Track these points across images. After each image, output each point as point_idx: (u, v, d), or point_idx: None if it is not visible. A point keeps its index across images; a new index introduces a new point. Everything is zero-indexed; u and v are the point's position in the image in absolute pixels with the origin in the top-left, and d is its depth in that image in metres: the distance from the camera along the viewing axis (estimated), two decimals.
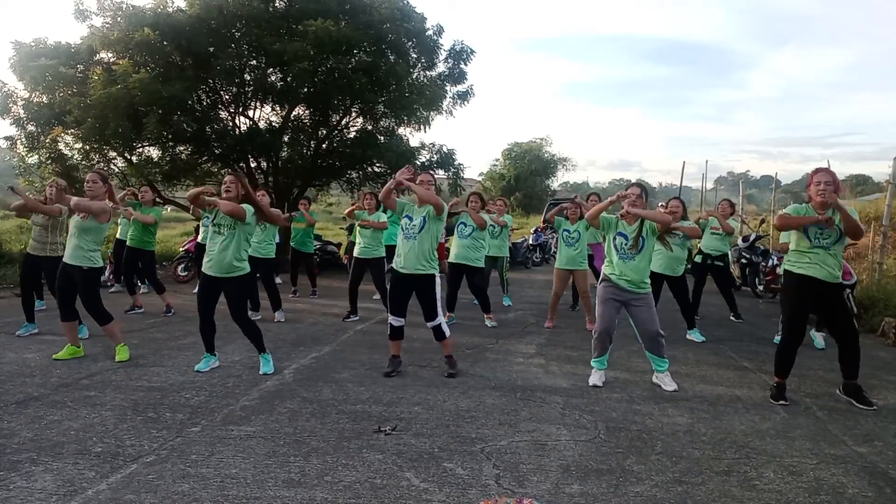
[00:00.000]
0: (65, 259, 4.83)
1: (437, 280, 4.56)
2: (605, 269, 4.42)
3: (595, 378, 4.40)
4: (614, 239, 4.32)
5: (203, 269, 4.56)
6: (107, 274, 8.65)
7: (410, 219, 4.52)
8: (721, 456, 3.13)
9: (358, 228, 6.98)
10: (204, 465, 2.89)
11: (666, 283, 6.11)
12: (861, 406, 3.92)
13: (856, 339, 3.98)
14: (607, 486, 2.76)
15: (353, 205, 7.65)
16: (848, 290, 6.53)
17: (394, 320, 4.59)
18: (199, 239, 8.49)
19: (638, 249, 4.25)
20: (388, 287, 6.73)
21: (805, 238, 3.95)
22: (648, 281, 4.35)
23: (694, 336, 6.14)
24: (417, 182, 4.50)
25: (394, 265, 4.60)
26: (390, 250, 7.53)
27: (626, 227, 4.29)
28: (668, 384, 4.34)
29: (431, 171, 4.67)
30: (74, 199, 4.83)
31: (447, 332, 4.62)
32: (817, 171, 3.98)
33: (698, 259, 7.02)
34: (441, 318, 4.57)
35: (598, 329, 4.38)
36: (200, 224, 8.19)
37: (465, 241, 6.54)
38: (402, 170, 4.46)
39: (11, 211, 6.24)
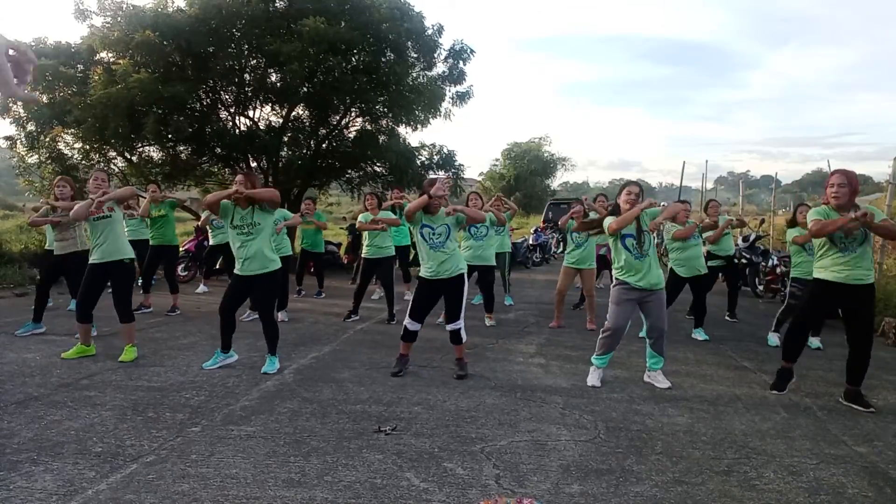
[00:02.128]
0: (99, 259, 4.81)
1: (466, 279, 4.55)
2: (618, 275, 4.39)
3: (593, 378, 4.40)
4: (623, 240, 4.28)
5: (236, 272, 4.56)
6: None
7: (432, 229, 4.45)
8: (721, 456, 3.13)
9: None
10: (204, 465, 2.89)
11: (690, 283, 6.15)
12: (860, 409, 3.89)
13: (870, 346, 3.92)
14: (607, 486, 2.76)
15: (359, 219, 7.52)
16: None
17: (410, 324, 4.54)
18: (213, 242, 8.34)
19: (645, 247, 4.24)
20: (394, 287, 6.85)
21: (832, 244, 3.88)
22: (662, 279, 4.33)
23: (698, 335, 6.15)
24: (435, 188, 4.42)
25: (421, 274, 4.55)
26: (400, 250, 7.55)
27: (631, 227, 4.26)
28: (661, 382, 4.36)
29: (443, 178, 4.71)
30: (111, 194, 4.83)
31: (464, 338, 4.58)
32: (833, 172, 3.95)
33: (712, 263, 6.97)
34: (462, 323, 4.53)
35: (611, 328, 4.33)
36: (208, 227, 8.14)
37: (480, 242, 6.57)
38: (438, 186, 4.36)
39: (32, 225, 6.33)
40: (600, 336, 4.42)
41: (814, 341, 5.77)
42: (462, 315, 4.52)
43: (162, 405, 3.74)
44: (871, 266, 3.90)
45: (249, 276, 4.51)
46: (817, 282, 3.98)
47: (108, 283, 4.93)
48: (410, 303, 4.59)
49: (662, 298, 4.34)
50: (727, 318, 7.30)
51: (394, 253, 6.96)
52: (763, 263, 9.47)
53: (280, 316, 6.83)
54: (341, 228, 18.21)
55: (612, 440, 3.32)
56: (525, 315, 7.51)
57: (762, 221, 11.16)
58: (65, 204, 5.35)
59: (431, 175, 12.98)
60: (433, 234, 4.44)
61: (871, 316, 4.00)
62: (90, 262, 4.87)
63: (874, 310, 4.20)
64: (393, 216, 6.90)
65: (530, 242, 14.87)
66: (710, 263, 7.00)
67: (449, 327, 4.56)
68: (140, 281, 7.36)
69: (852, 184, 3.83)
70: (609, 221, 4.29)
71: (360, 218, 6.93)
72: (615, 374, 4.68)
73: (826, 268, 3.90)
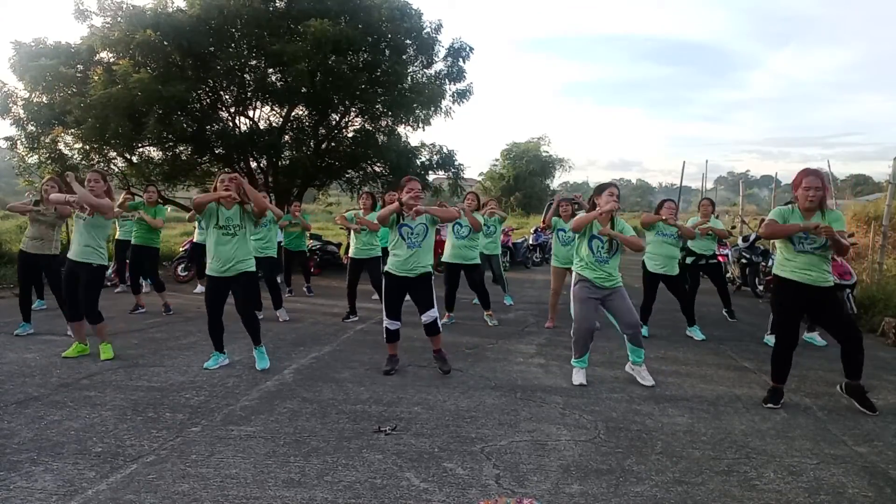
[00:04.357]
0: (72, 257, 4.84)
1: (433, 274, 4.63)
2: (579, 270, 4.43)
3: (579, 377, 4.41)
4: (590, 241, 4.33)
5: (210, 272, 4.57)
6: (110, 273, 8.62)
7: (410, 228, 4.51)
8: (721, 456, 3.13)
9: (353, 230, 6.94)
10: (204, 465, 2.89)
11: (663, 282, 6.13)
12: (862, 409, 3.85)
13: (859, 340, 3.86)
14: (607, 486, 2.76)
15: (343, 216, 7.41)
16: (848, 290, 6.51)
17: (390, 324, 4.61)
18: (196, 240, 8.51)
19: (612, 252, 4.33)
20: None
21: (790, 243, 3.87)
22: (620, 275, 4.43)
23: (694, 333, 6.15)
24: (406, 191, 4.46)
25: (389, 269, 4.59)
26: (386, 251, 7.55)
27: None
28: (646, 378, 4.37)
29: (416, 179, 4.67)
30: (81, 192, 4.73)
31: (440, 326, 4.68)
32: (806, 172, 3.84)
33: (689, 260, 6.84)
34: (436, 311, 4.60)
35: (579, 329, 4.38)
36: (195, 226, 8.21)
37: (462, 241, 6.61)
38: (408, 195, 4.39)
39: (15, 211, 5.85)
40: (572, 340, 4.45)
41: (817, 339, 5.77)
42: (435, 304, 4.58)
43: (162, 405, 3.74)
44: (830, 269, 3.90)
45: (230, 276, 4.52)
46: (784, 283, 3.91)
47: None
48: (384, 304, 4.61)
49: (624, 293, 4.40)
50: (724, 313, 7.28)
51: (380, 253, 6.96)
52: (763, 263, 9.46)
53: (280, 315, 6.83)
54: (341, 229, 18.19)
55: (612, 440, 3.32)
56: (525, 315, 7.51)
57: (762, 221, 11.15)
58: (72, 197, 4.92)
59: (432, 175, 13.00)
60: (412, 233, 4.51)
61: (842, 311, 3.99)
62: (68, 256, 4.88)
63: (843, 307, 4.18)
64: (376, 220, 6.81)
65: (530, 242, 14.86)
66: (688, 261, 6.84)
67: (424, 318, 4.57)
68: (119, 283, 7.43)
69: (825, 186, 3.84)
70: (576, 218, 4.38)
71: (346, 214, 6.96)
72: (615, 374, 4.68)
73: (796, 269, 3.85)
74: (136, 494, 2.58)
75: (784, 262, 3.94)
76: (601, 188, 4.41)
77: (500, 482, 2.77)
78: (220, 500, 2.54)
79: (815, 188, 3.76)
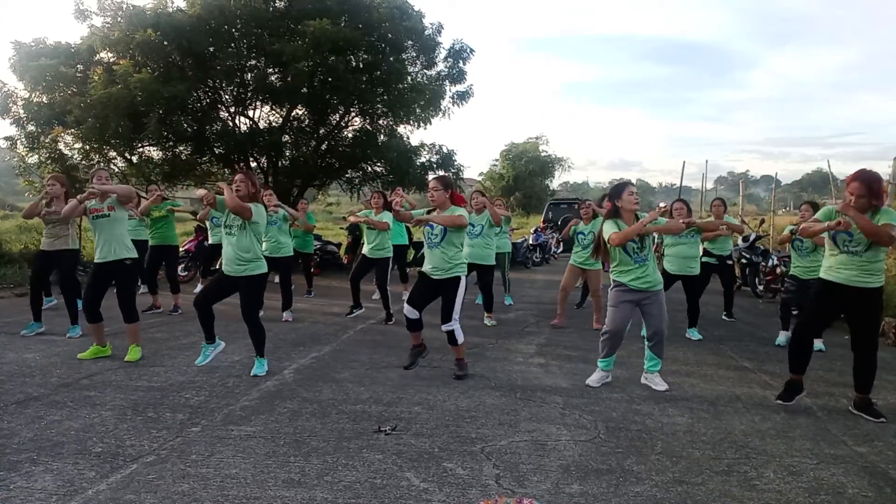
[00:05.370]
0: (100, 260, 4.80)
1: (462, 282, 4.51)
2: (615, 276, 4.30)
3: (594, 378, 4.39)
4: (625, 245, 4.15)
5: (223, 269, 4.58)
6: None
7: (431, 228, 4.50)
8: (721, 456, 3.13)
9: (365, 227, 6.96)
10: (204, 465, 2.89)
11: (682, 282, 6.14)
12: (871, 419, 3.75)
13: (870, 351, 3.79)
14: (607, 486, 2.76)
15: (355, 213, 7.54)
16: None
17: (408, 311, 4.58)
18: (212, 241, 8.45)
19: (647, 251, 4.19)
20: (388, 289, 6.85)
21: (833, 243, 3.81)
22: (661, 279, 4.32)
23: (692, 335, 6.15)
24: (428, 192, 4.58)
25: (423, 269, 4.61)
26: (397, 249, 7.57)
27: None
28: (659, 384, 4.33)
29: (437, 178, 4.71)
30: (106, 187, 4.82)
31: (460, 339, 4.53)
32: (855, 176, 3.71)
33: (706, 260, 6.81)
34: (455, 325, 4.48)
35: (610, 330, 4.30)
36: (207, 224, 8.20)
37: (476, 240, 6.54)
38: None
39: (31, 216, 5.80)
40: (601, 338, 4.40)
41: (817, 343, 5.75)
42: (454, 317, 4.46)
43: (162, 405, 3.74)
44: (878, 271, 3.73)
45: (235, 277, 4.48)
46: (820, 282, 3.91)
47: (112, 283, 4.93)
48: (409, 292, 4.66)
49: (662, 300, 4.28)
50: (724, 317, 7.28)
51: (391, 255, 6.96)
52: (763, 263, 9.46)
53: (284, 315, 6.83)
54: (341, 228, 18.22)
55: (612, 440, 3.32)
56: (525, 315, 7.51)
57: (762, 221, 11.15)
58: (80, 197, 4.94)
59: (431, 175, 13.00)
60: (431, 233, 4.50)
61: (872, 321, 3.84)
62: (95, 261, 4.86)
63: (878, 316, 4.01)
64: (388, 219, 6.81)
65: (530, 242, 14.87)
66: (703, 260, 6.85)
67: (442, 328, 4.54)
68: (144, 282, 7.42)
69: (872, 190, 3.66)
70: (610, 230, 4.14)
71: (361, 212, 6.98)
72: (615, 374, 4.67)
73: (830, 268, 3.82)
74: (136, 494, 2.58)
75: (830, 265, 3.84)
76: (619, 188, 4.30)
77: (500, 482, 2.77)
78: (220, 500, 2.54)
79: (858, 195, 3.63)
